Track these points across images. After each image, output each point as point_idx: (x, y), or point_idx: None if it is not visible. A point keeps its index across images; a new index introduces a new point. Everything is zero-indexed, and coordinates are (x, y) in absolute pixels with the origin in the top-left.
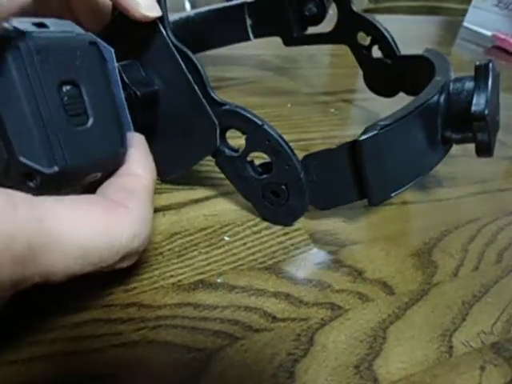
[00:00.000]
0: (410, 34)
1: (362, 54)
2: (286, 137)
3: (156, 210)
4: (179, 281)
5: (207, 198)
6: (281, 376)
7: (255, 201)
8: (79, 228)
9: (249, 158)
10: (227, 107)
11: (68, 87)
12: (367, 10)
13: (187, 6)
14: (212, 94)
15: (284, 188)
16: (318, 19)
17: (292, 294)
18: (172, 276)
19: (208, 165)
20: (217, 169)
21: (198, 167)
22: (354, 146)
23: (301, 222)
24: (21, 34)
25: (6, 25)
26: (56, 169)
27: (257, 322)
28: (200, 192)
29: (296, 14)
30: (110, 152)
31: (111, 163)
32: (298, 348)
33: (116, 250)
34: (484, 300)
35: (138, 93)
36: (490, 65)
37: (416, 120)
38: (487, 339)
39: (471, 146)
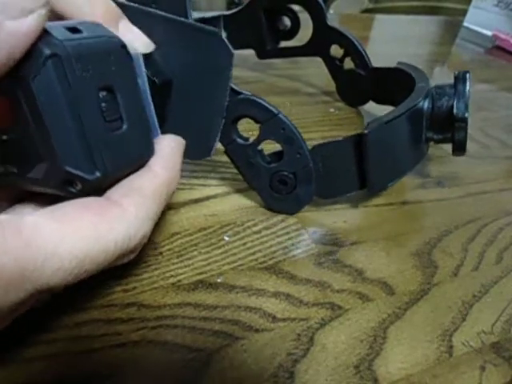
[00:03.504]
0: (410, 33)
1: (335, 66)
2: None
3: None
4: (179, 281)
5: (207, 198)
6: (281, 376)
7: (262, 189)
8: (70, 241)
9: (259, 147)
10: (243, 96)
11: (104, 93)
12: (367, 10)
13: None
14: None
15: (292, 176)
16: (292, 34)
17: (292, 294)
18: (172, 276)
19: (208, 165)
20: (217, 169)
21: (198, 167)
22: (360, 138)
23: (301, 222)
24: (60, 42)
25: (44, 32)
26: (98, 174)
27: (257, 322)
28: (200, 192)
29: (270, 29)
30: (142, 154)
31: (140, 164)
32: (297, 348)
33: (111, 254)
34: (484, 300)
35: (156, 81)
36: (467, 75)
37: (407, 120)
38: (487, 339)
39: (472, 147)
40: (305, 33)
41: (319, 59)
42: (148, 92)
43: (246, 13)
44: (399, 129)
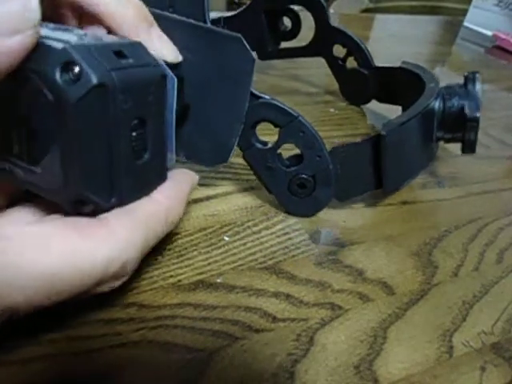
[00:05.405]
0: (410, 33)
1: (338, 66)
2: None
3: None
4: (179, 281)
5: (207, 198)
6: (281, 376)
7: (280, 193)
8: (43, 256)
9: (278, 151)
10: (262, 100)
11: (136, 121)
12: (367, 10)
13: None
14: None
15: (311, 179)
16: (293, 34)
17: (292, 294)
18: (172, 276)
19: None
20: (217, 169)
21: (198, 167)
22: (377, 140)
23: (301, 223)
24: (109, 72)
25: (93, 55)
26: (113, 201)
27: (257, 322)
28: (200, 192)
29: (271, 30)
30: (155, 181)
31: (152, 190)
32: (297, 348)
33: (87, 276)
34: (484, 300)
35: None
36: (477, 75)
37: (421, 121)
38: (487, 339)
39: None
40: (307, 33)
41: (319, 59)
42: (174, 115)
43: (247, 14)
44: (413, 129)
